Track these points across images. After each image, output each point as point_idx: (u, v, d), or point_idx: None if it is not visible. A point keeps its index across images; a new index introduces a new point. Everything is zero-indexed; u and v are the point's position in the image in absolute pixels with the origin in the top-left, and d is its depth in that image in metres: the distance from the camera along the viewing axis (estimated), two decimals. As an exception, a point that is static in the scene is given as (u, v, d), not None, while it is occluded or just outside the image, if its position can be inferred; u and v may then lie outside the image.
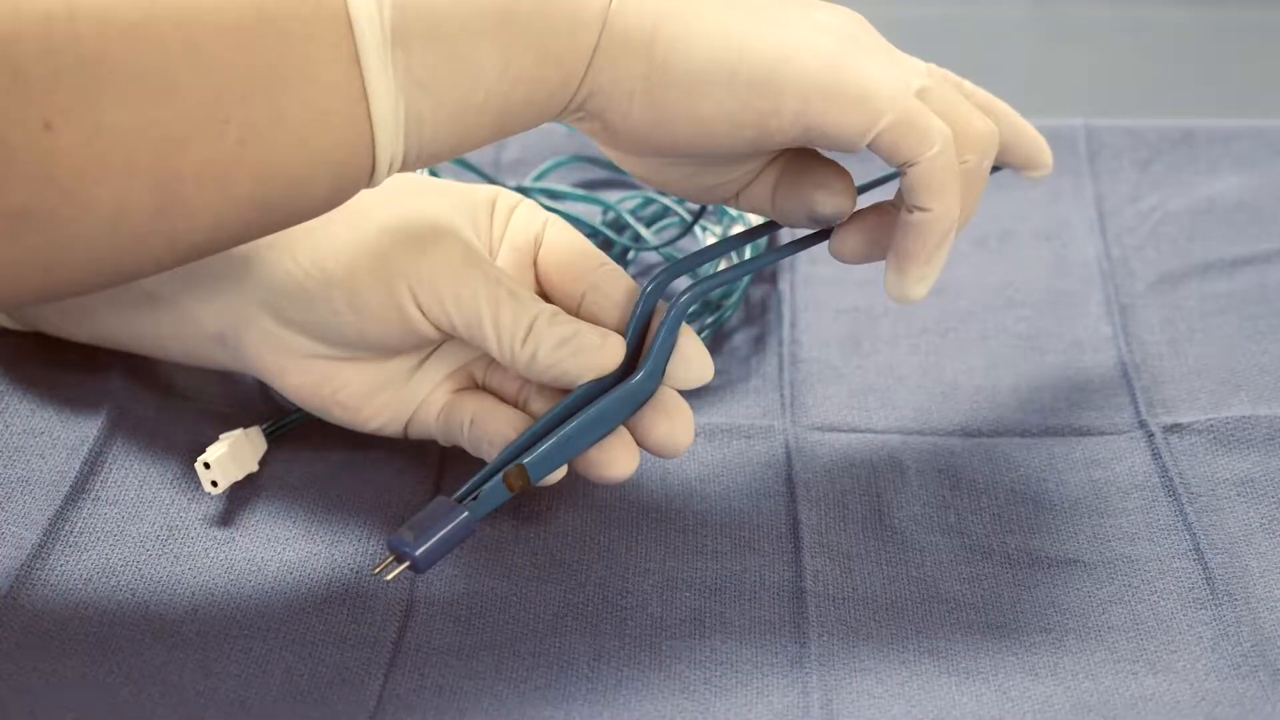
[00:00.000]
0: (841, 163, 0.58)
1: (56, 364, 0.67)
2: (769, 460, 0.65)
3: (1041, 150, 0.65)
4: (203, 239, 0.50)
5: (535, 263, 0.61)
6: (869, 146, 0.53)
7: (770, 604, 0.59)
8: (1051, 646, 0.57)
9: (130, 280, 0.51)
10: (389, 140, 0.50)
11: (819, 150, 0.57)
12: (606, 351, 0.57)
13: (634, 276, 0.76)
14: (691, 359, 0.58)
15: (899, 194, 0.56)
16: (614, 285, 0.59)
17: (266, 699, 0.54)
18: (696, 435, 0.65)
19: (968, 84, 0.61)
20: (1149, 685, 0.55)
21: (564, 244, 0.60)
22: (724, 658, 0.56)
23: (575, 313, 0.59)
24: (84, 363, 0.66)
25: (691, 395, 0.60)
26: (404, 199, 0.58)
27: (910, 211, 0.55)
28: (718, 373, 0.70)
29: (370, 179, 0.51)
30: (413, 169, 0.52)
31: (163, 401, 0.66)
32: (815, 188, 0.57)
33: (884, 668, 0.56)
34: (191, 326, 0.61)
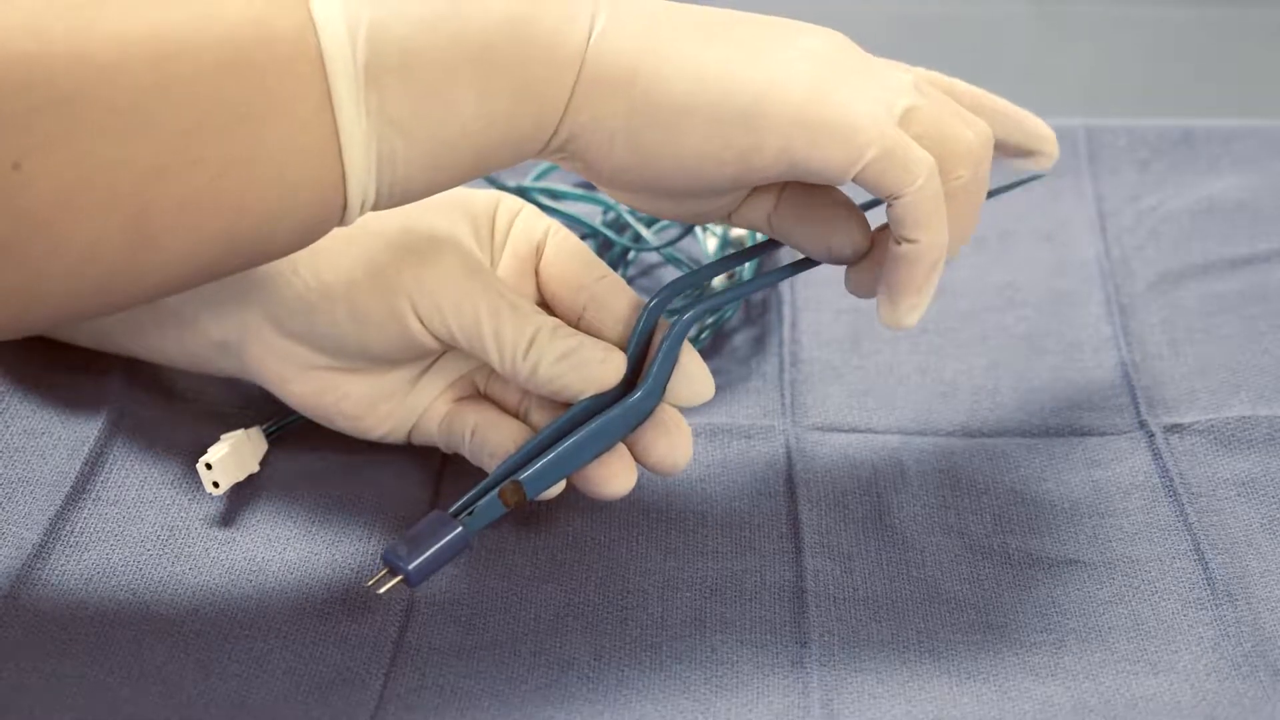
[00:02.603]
0: None
1: (57, 364, 0.67)
2: (769, 460, 0.65)
3: (1041, 139, 0.64)
4: (174, 275, 0.50)
5: (536, 271, 0.61)
6: (854, 179, 0.53)
7: (770, 604, 0.59)
8: (1052, 646, 0.57)
9: (102, 315, 0.51)
10: (361, 179, 0.50)
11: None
12: (608, 367, 0.57)
13: (634, 277, 0.76)
14: (693, 377, 0.59)
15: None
16: (616, 299, 0.59)
17: (266, 699, 0.54)
18: (696, 435, 0.65)
19: (960, 84, 0.61)
20: (1149, 685, 0.55)
21: (566, 254, 0.60)
22: (724, 658, 0.56)
23: (576, 325, 0.59)
24: (84, 363, 0.66)
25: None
26: (404, 209, 0.58)
27: (899, 243, 0.55)
28: (718, 373, 0.70)
29: (343, 217, 0.51)
30: (386, 207, 0.52)
31: (163, 402, 0.66)
32: (830, 230, 0.57)
33: (884, 668, 0.56)
34: (194, 335, 0.61)
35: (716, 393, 0.66)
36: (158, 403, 0.66)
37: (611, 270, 0.60)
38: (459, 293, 0.57)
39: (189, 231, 0.48)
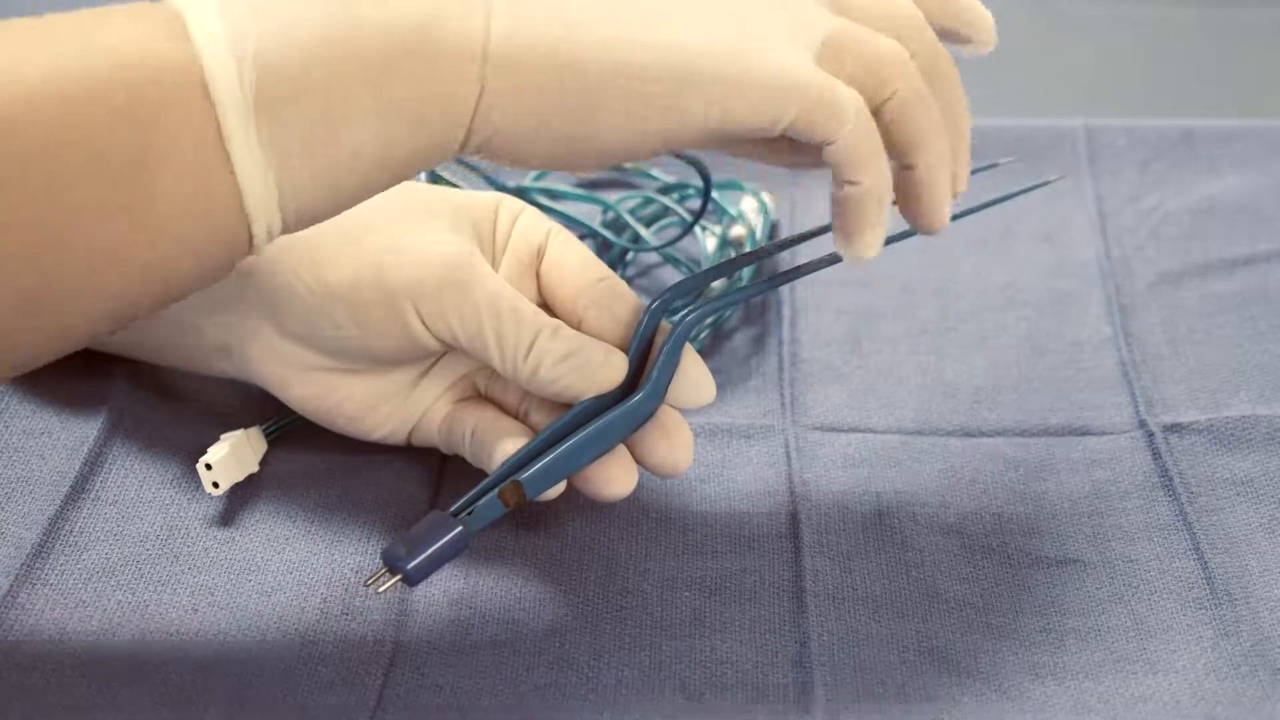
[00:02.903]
0: None
1: (57, 364, 0.66)
2: (769, 460, 0.65)
3: (973, 24, 0.57)
4: (77, 331, 0.49)
5: (538, 273, 0.61)
6: (783, 131, 0.52)
7: (770, 604, 0.59)
8: (1052, 646, 0.57)
9: (14, 372, 0.50)
10: (262, 212, 0.48)
11: None
12: (609, 369, 0.57)
13: (632, 277, 0.77)
14: (694, 380, 0.58)
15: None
16: (617, 301, 0.59)
17: (266, 698, 0.54)
18: (696, 435, 0.65)
19: None
20: (1149, 685, 0.55)
21: (568, 257, 0.60)
22: (724, 657, 0.56)
23: (577, 327, 0.59)
24: (85, 363, 0.66)
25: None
26: (405, 212, 0.58)
27: (842, 186, 0.53)
28: (718, 372, 0.70)
29: (250, 248, 0.49)
30: (294, 230, 0.50)
31: (163, 402, 0.66)
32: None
33: (884, 668, 0.56)
34: (195, 338, 0.61)
35: (716, 393, 0.66)
36: (158, 403, 0.66)
37: (612, 272, 0.60)
38: (460, 295, 0.57)
39: (103, 279, 0.47)
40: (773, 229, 0.79)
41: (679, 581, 0.60)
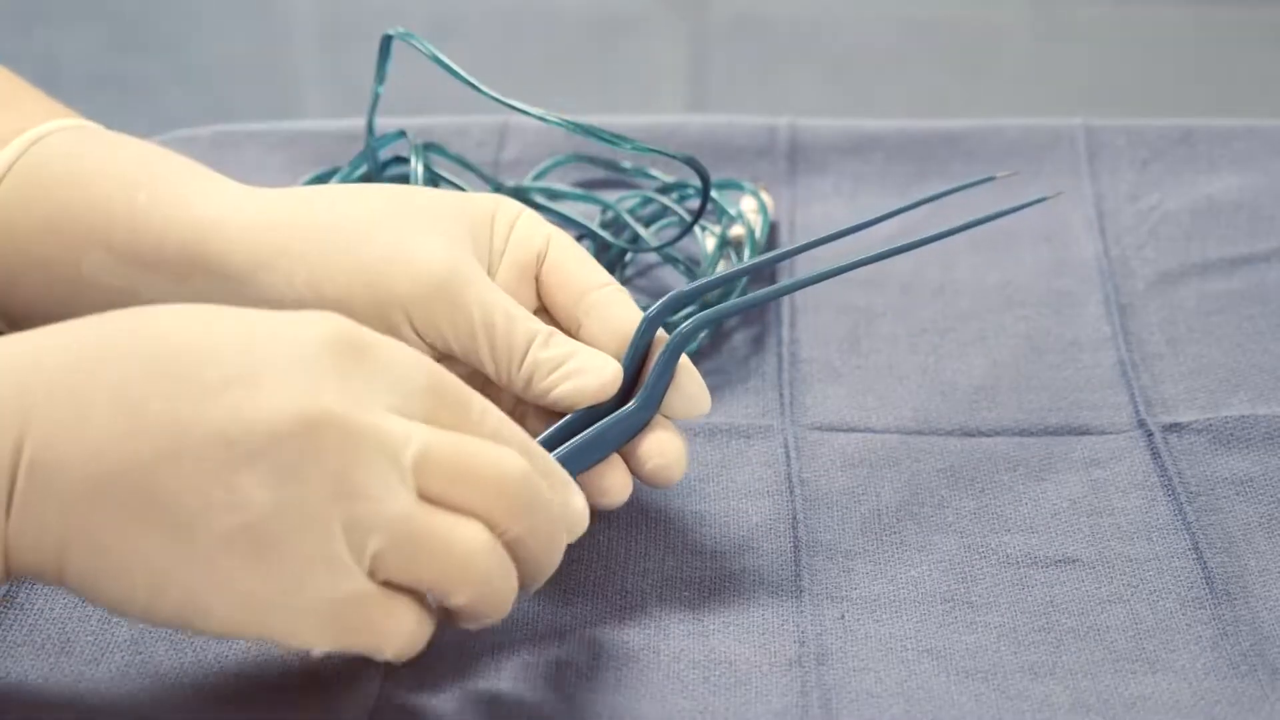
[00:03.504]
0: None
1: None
2: (768, 460, 0.65)
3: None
4: None
5: (537, 278, 0.61)
6: None
7: (770, 604, 0.59)
8: (1050, 645, 0.57)
9: None
10: None
11: None
12: (604, 378, 0.57)
13: (631, 278, 0.76)
14: (689, 392, 0.58)
15: None
16: (615, 308, 0.59)
17: (266, 699, 0.54)
18: (695, 435, 0.65)
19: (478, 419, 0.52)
20: (1148, 684, 0.55)
21: (567, 263, 0.60)
22: (723, 657, 0.57)
23: (575, 334, 0.59)
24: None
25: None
26: (401, 219, 0.58)
27: None
28: (717, 372, 0.70)
29: None
30: None
31: (162, 402, 0.66)
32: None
33: (884, 667, 0.56)
34: None
35: (715, 393, 0.66)
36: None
37: (613, 279, 0.60)
38: (452, 303, 0.57)
39: None
40: (772, 229, 0.79)
41: (678, 581, 0.60)
